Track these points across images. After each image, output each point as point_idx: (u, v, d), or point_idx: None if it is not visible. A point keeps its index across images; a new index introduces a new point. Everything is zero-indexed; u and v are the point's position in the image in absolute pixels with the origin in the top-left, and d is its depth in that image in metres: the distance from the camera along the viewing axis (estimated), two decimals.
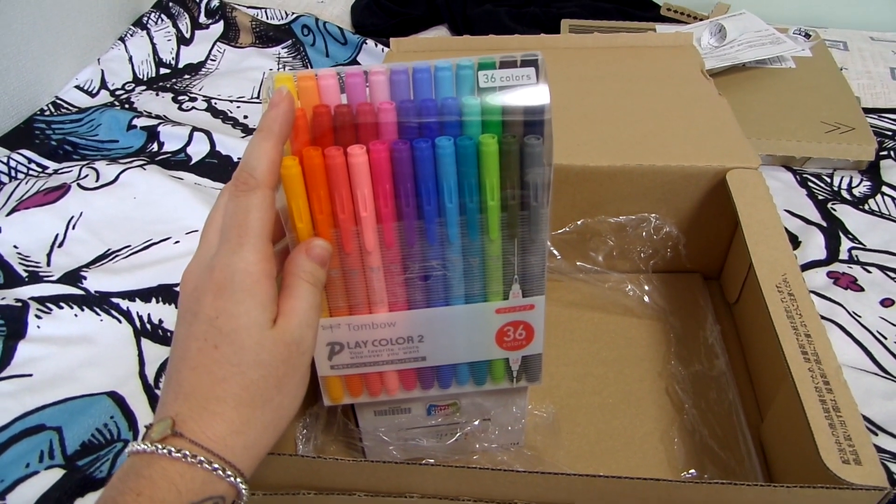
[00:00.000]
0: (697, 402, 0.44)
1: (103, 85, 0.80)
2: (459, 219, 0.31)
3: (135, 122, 0.71)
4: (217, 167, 0.67)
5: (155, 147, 0.70)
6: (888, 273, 0.55)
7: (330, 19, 0.89)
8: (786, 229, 0.43)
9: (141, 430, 0.45)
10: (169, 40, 0.87)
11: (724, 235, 0.50)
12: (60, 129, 0.72)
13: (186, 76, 0.83)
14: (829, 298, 0.53)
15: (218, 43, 0.88)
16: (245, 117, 0.76)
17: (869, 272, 0.55)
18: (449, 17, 0.92)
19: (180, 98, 0.78)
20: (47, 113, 0.75)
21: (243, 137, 0.72)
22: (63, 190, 0.62)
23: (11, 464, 0.42)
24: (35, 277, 0.55)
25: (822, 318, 0.49)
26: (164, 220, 0.60)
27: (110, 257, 0.57)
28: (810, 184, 0.64)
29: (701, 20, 0.86)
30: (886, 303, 0.52)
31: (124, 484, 0.25)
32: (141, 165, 0.66)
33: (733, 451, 0.41)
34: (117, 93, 0.80)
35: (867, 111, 0.71)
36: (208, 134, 0.70)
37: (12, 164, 0.67)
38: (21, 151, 0.68)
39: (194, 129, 0.70)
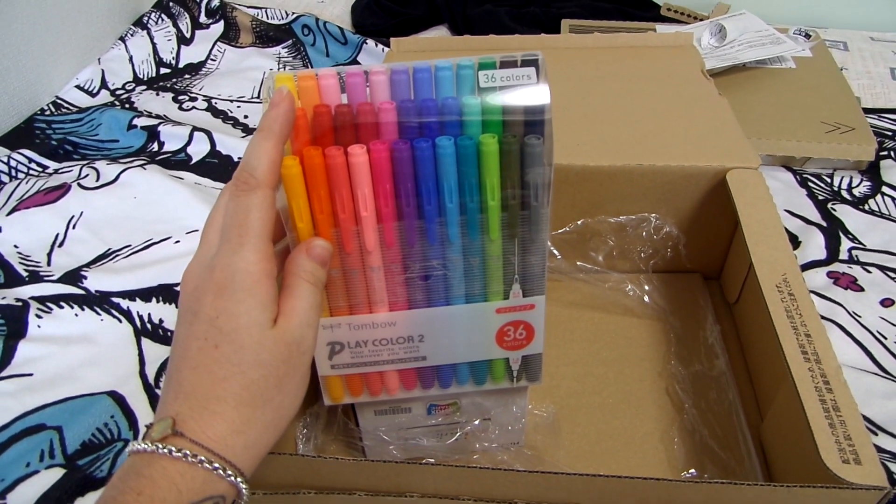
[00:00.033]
0: (697, 402, 0.44)
1: (104, 85, 0.80)
2: (460, 218, 0.31)
3: (135, 121, 0.71)
4: (217, 167, 0.67)
5: (155, 147, 0.70)
6: (888, 273, 0.55)
7: (330, 19, 0.89)
8: (786, 229, 0.43)
9: (141, 429, 0.45)
10: (169, 40, 0.87)
11: (724, 235, 0.50)
12: (61, 128, 0.72)
13: (187, 76, 0.83)
14: (829, 298, 0.53)
15: (218, 43, 0.88)
16: (245, 117, 0.76)
17: (869, 272, 0.55)
18: (449, 17, 0.92)
19: (180, 98, 0.78)
20: (48, 112, 0.75)
21: (243, 137, 0.72)
22: (63, 189, 0.62)
23: (12, 463, 0.42)
24: (35, 277, 0.55)
25: (822, 318, 0.49)
26: (165, 219, 0.60)
27: (111, 257, 0.57)
28: (810, 184, 0.64)
29: (701, 20, 0.86)
30: (886, 303, 0.52)
31: (125, 483, 0.25)
32: (141, 165, 0.66)
33: (733, 451, 0.41)
34: (118, 92, 0.80)
35: (867, 111, 0.71)
36: (208, 134, 0.70)
37: (13, 163, 0.67)
38: (21, 151, 0.68)
39: (194, 128, 0.70)
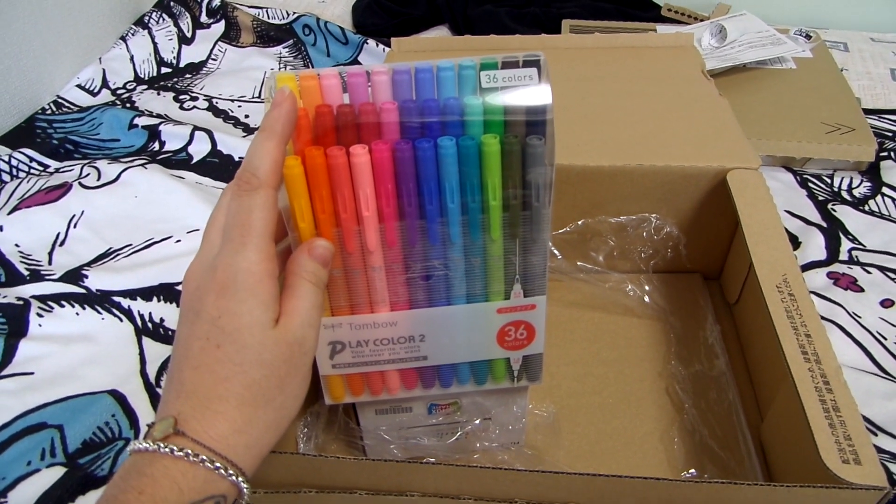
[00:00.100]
0: (697, 402, 0.44)
1: (105, 84, 0.80)
2: (461, 218, 0.31)
3: (136, 121, 0.71)
4: (218, 166, 0.67)
5: (156, 146, 0.70)
6: (888, 274, 0.55)
7: (331, 19, 0.89)
8: (786, 230, 0.43)
9: (142, 428, 0.45)
10: (170, 39, 0.87)
11: (724, 236, 0.50)
12: (62, 127, 0.72)
13: (188, 75, 0.83)
14: (829, 299, 0.53)
15: (219, 42, 0.88)
16: (246, 117, 0.76)
17: (869, 273, 0.55)
18: (450, 17, 0.92)
19: (181, 97, 0.78)
20: (49, 112, 0.75)
21: (244, 137, 0.72)
22: (64, 189, 0.62)
23: (13, 462, 0.42)
24: (36, 276, 0.55)
25: (822, 318, 0.49)
26: (166, 219, 0.61)
27: (111, 256, 0.57)
28: (810, 184, 0.64)
29: (701, 21, 0.86)
30: (886, 303, 0.53)
31: (126, 482, 0.25)
32: (142, 164, 0.66)
33: (733, 451, 0.41)
34: (118, 92, 0.80)
35: (867, 112, 0.71)
36: (209, 133, 0.70)
37: (14, 162, 0.67)
38: (22, 150, 0.68)
39: (195, 128, 0.70)
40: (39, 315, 0.51)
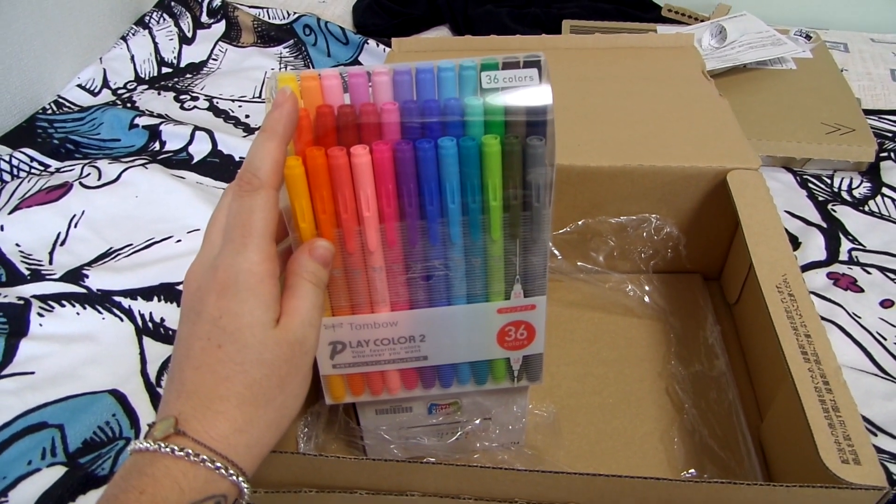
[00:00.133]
0: (697, 402, 0.44)
1: (105, 84, 0.80)
2: (462, 219, 0.31)
3: (137, 121, 0.71)
4: (219, 166, 0.68)
5: (157, 146, 0.70)
6: (888, 274, 0.55)
7: (331, 19, 0.89)
8: (786, 230, 0.43)
9: (143, 428, 0.45)
10: (171, 39, 0.87)
11: (724, 236, 0.50)
12: (62, 127, 0.72)
13: (188, 75, 0.84)
14: (828, 299, 0.53)
15: (220, 42, 0.88)
16: (247, 117, 0.76)
17: (869, 273, 0.55)
18: (450, 18, 0.92)
19: (182, 97, 0.78)
20: (49, 111, 0.75)
21: (245, 137, 0.72)
22: (65, 188, 0.62)
23: (14, 461, 0.42)
24: (37, 275, 0.55)
25: (822, 318, 0.50)
26: (166, 218, 0.61)
27: (112, 256, 0.58)
28: (810, 185, 0.64)
29: (702, 21, 0.86)
30: (886, 304, 0.53)
31: (127, 482, 0.25)
32: (143, 164, 0.66)
33: (733, 451, 0.41)
34: (119, 92, 0.80)
35: (867, 112, 0.71)
36: (210, 133, 0.70)
37: (14, 162, 0.67)
38: (23, 150, 0.68)
39: (196, 128, 0.70)
40: (40, 315, 0.51)
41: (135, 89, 0.80)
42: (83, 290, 0.54)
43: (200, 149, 0.69)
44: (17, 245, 0.58)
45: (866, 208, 0.62)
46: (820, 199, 0.63)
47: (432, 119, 0.29)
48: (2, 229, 0.59)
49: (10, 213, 0.60)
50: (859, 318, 0.51)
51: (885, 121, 0.72)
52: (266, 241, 0.27)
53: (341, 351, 0.34)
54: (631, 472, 0.31)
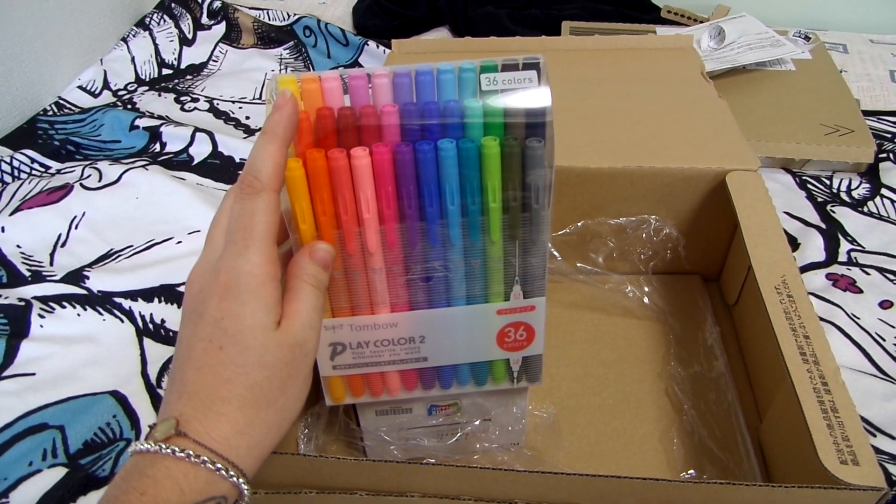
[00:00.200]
0: (697, 403, 0.44)
1: (106, 85, 0.81)
2: (461, 220, 0.31)
3: (137, 122, 0.71)
4: (219, 168, 0.68)
5: (157, 147, 0.70)
6: (887, 275, 0.55)
7: (331, 20, 0.89)
8: (785, 231, 0.43)
9: (143, 429, 0.45)
10: (171, 41, 0.88)
11: (723, 237, 0.50)
12: (63, 129, 0.72)
13: (188, 77, 0.84)
14: (827, 300, 0.53)
15: (220, 44, 0.89)
16: (247, 118, 0.76)
17: (868, 274, 0.55)
18: (450, 19, 0.92)
19: (182, 99, 0.78)
20: (50, 113, 0.75)
21: (245, 138, 0.72)
22: (66, 190, 0.63)
23: (14, 462, 0.42)
24: (38, 277, 0.55)
25: (821, 319, 0.50)
26: (167, 220, 0.61)
27: (113, 257, 0.58)
28: (809, 186, 0.64)
29: (701, 22, 0.86)
30: (885, 305, 0.53)
31: (128, 483, 0.25)
32: (143, 166, 0.66)
33: (732, 452, 0.41)
34: (120, 93, 0.80)
35: (866, 114, 0.71)
36: (210, 135, 0.70)
37: (15, 163, 0.67)
38: (24, 151, 0.68)
39: (196, 129, 0.70)
40: (41, 316, 0.52)
41: (135, 91, 0.80)
42: (84, 292, 0.54)
43: (201, 150, 0.69)
44: (18, 246, 0.58)
45: (865, 209, 0.62)
46: (819, 200, 0.63)
47: (432, 121, 0.29)
48: (3, 230, 0.59)
49: (11, 214, 0.60)
50: (858, 318, 0.51)
51: (884, 122, 0.73)
52: (268, 243, 0.27)
53: (341, 352, 0.34)
54: (630, 473, 0.31)
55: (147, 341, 0.51)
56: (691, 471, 0.41)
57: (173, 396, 0.27)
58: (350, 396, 0.37)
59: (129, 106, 0.76)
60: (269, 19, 0.89)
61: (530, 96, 0.29)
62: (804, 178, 0.65)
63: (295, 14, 0.89)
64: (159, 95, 0.79)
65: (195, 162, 0.68)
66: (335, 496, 0.33)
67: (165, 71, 0.85)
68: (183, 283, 0.55)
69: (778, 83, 0.73)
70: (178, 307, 0.53)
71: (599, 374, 0.47)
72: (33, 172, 0.67)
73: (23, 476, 0.42)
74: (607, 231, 0.50)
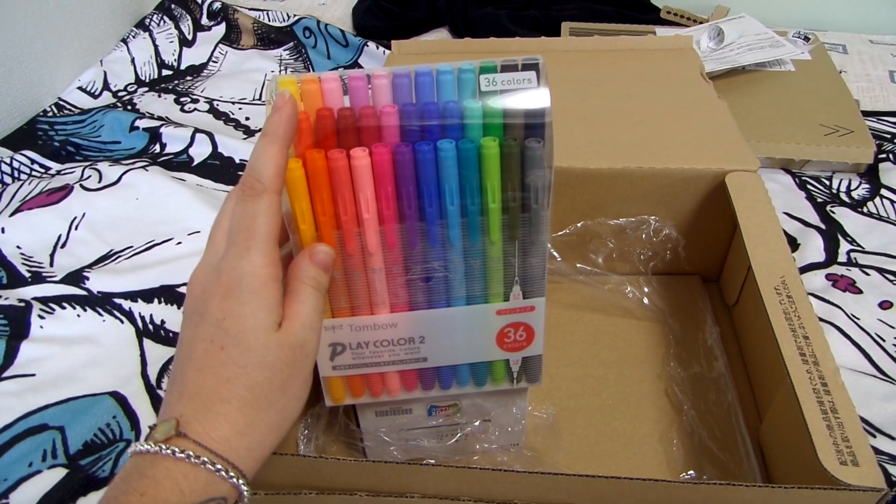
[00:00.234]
0: (696, 404, 0.44)
1: (106, 86, 0.81)
2: (461, 221, 0.31)
3: (137, 123, 0.71)
4: (219, 168, 0.68)
5: (157, 148, 0.70)
6: (886, 275, 0.55)
7: (331, 21, 0.89)
8: (785, 232, 0.43)
9: (143, 430, 0.45)
10: (171, 42, 0.88)
11: (723, 238, 0.50)
12: (63, 130, 0.72)
13: (188, 78, 0.84)
14: (827, 301, 0.53)
15: (220, 45, 0.89)
16: (247, 119, 0.76)
17: (867, 274, 0.55)
18: (450, 20, 0.92)
19: (182, 99, 0.78)
20: (50, 114, 0.75)
21: (245, 139, 0.72)
22: (66, 191, 0.63)
23: (14, 463, 0.42)
24: (38, 278, 0.55)
25: (821, 320, 0.50)
26: (167, 221, 0.61)
27: (113, 258, 0.58)
28: (809, 186, 0.64)
29: (701, 23, 0.86)
30: (885, 305, 0.53)
31: (128, 484, 0.25)
32: (143, 167, 0.66)
33: (732, 453, 0.41)
34: (120, 94, 0.80)
35: (866, 114, 0.71)
36: (210, 135, 0.70)
37: (15, 164, 0.67)
38: (24, 152, 0.68)
39: (196, 130, 0.71)
40: (41, 317, 0.52)
41: (135, 92, 0.80)
42: (84, 293, 0.54)
43: (201, 151, 0.69)
44: (18, 247, 0.58)
45: (865, 210, 0.62)
46: (819, 200, 0.63)
47: (431, 122, 0.29)
48: (3, 231, 0.59)
49: (11, 215, 0.60)
50: (858, 319, 0.51)
51: (884, 122, 0.73)
52: (269, 244, 0.27)
53: (341, 352, 0.34)
54: (630, 474, 0.31)
55: (147, 342, 0.51)
56: (691, 471, 0.41)
57: (174, 397, 0.27)
58: (350, 397, 0.37)
59: (129, 107, 0.76)
60: (269, 20, 0.89)
61: (529, 97, 0.29)
62: (804, 178, 0.65)
63: (295, 15, 0.89)
64: (159, 96, 0.79)
65: (195, 163, 0.68)
66: (335, 497, 0.33)
67: (165, 72, 0.85)
68: (183, 284, 0.55)
69: (777, 84, 0.73)
70: (178, 308, 0.53)
71: (599, 375, 0.47)
72: (33, 173, 0.67)
73: (23, 477, 0.42)
74: (607, 232, 0.50)
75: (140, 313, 0.53)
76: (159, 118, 0.73)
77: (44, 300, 0.53)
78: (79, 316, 0.52)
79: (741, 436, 0.42)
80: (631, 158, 0.48)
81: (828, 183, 0.65)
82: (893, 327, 0.51)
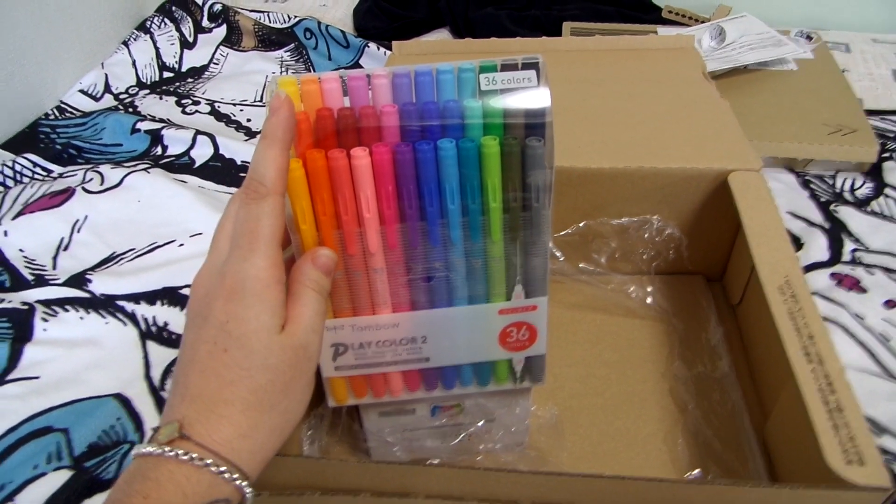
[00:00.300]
0: (701, 403, 0.44)
1: (107, 89, 0.81)
2: (462, 220, 0.31)
3: (139, 125, 0.72)
4: (221, 170, 0.68)
5: (159, 150, 0.70)
6: (891, 274, 0.55)
7: (332, 22, 0.89)
8: (788, 231, 0.43)
9: (147, 431, 0.45)
10: (172, 44, 0.88)
11: (726, 237, 0.50)
12: (65, 133, 0.73)
13: (190, 80, 0.84)
14: (832, 300, 0.53)
15: (221, 46, 0.89)
16: (248, 120, 0.76)
17: (872, 274, 0.55)
18: (451, 20, 0.92)
19: (184, 102, 0.79)
20: (52, 117, 0.75)
21: (247, 141, 0.72)
22: (68, 193, 0.63)
23: (20, 465, 0.42)
24: (41, 281, 0.55)
25: (826, 319, 0.50)
26: (169, 222, 0.61)
27: (115, 260, 0.58)
28: (812, 186, 0.64)
29: (702, 23, 0.86)
30: (890, 304, 0.52)
31: (131, 486, 0.25)
32: (145, 169, 0.66)
33: (737, 452, 0.41)
34: (121, 97, 0.80)
35: (869, 113, 0.71)
36: (212, 137, 0.70)
37: (17, 168, 0.67)
38: (26, 155, 0.68)
39: (198, 132, 0.71)
40: (44, 320, 0.52)
41: (136, 94, 0.81)
42: (87, 295, 0.54)
43: (202, 153, 0.69)
44: (21, 250, 0.58)
45: (869, 209, 0.61)
46: (822, 199, 0.63)
47: (432, 121, 0.29)
48: (5, 235, 0.59)
49: (14, 218, 0.60)
50: (862, 318, 0.51)
51: (888, 121, 0.72)
52: (273, 247, 0.27)
53: (343, 353, 0.34)
54: (634, 474, 0.31)
55: (150, 344, 0.51)
56: (696, 471, 0.41)
57: (176, 399, 0.27)
58: (353, 398, 0.36)
59: (131, 109, 0.76)
60: (270, 22, 0.90)
61: (530, 96, 0.29)
62: (807, 177, 0.65)
63: (295, 16, 0.89)
64: (160, 99, 0.79)
65: (197, 165, 0.68)
66: (339, 497, 0.33)
67: (166, 74, 0.85)
68: (186, 286, 0.55)
69: (780, 83, 0.73)
70: (181, 310, 0.53)
71: (602, 375, 0.47)
72: (35, 176, 0.67)
73: (28, 479, 0.42)
74: (609, 231, 0.50)
75: (143, 315, 0.53)
76: (161, 120, 0.73)
77: (47, 303, 0.53)
78: (82, 318, 0.52)
79: (746, 435, 0.42)
80: (633, 158, 0.48)
81: (831, 182, 0.65)
82: None
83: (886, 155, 0.67)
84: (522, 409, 0.39)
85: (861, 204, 0.62)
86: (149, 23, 0.89)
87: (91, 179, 0.65)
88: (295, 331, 0.27)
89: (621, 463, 0.42)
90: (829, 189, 0.64)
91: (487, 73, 0.29)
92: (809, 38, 0.83)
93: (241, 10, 0.91)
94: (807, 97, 0.70)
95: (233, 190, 0.65)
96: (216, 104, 0.78)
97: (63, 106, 0.77)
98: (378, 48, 0.85)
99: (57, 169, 0.68)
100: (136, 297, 0.54)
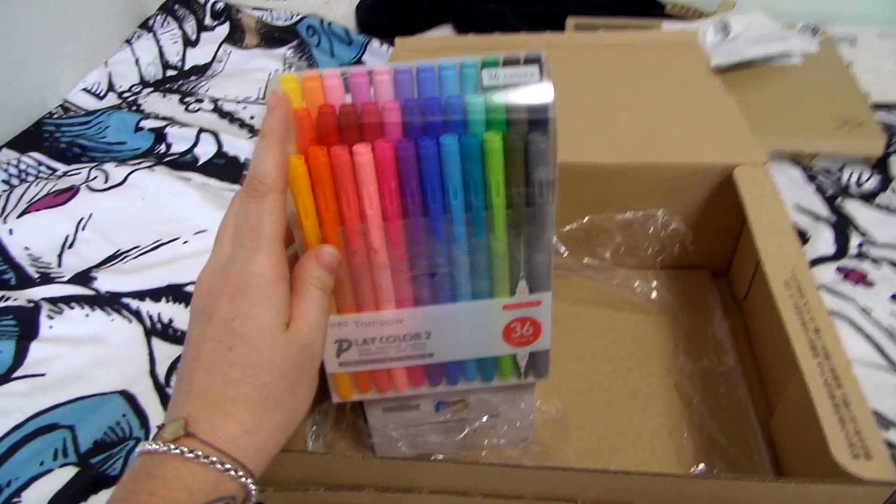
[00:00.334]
0: (706, 398, 0.44)
1: (111, 87, 0.81)
2: (465, 216, 0.31)
3: (142, 123, 0.72)
4: (224, 167, 0.68)
5: (163, 148, 0.70)
6: None
7: (335, 20, 0.89)
8: (794, 225, 0.43)
9: (152, 428, 0.45)
10: (175, 42, 0.88)
11: (731, 232, 0.50)
12: (69, 131, 0.73)
13: (193, 78, 0.84)
14: (838, 294, 0.52)
15: (224, 44, 0.89)
16: (251, 118, 0.76)
17: (878, 267, 0.55)
18: (453, 16, 0.92)
19: (187, 99, 0.79)
20: (56, 116, 0.76)
21: (250, 138, 0.72)
22: (72, 192, 0.63)
23: (26, 462, 0.43)
24: (46, 278, 0.56)
25: (832, 313, 0.49)
26: (173, 220, 0.61)
27: (120, 258, 0.58)
28: (818, 179, 0.64)
29: (707, 17, 0.85)
30: None
31: (136, 484, 0.25)
32: (149, 167, 0.66)
33: (743, 447, 0.41)
34: (124, 95, 0.80)
35: (875, 106, 0.71)
36: (215, 135, 0.70)
37: (22, 166, 0.67)
38: (31, 154, 0.69)
39: (201, 130, 0.71)
40: (49, 317, 0.52)
41: (140, 92, 0.81)
42: (92, 292, 0.54)
43: (206, 150, 0.70)
44: (26, 248, 0.58)
45: (875, 202, 0.61)
46: (828, 193, 0.62)
47: (434, 117, 0.29)
48: (11, 233, 0.59)
49: (19, 216, 0.60)
50: (869, 312, 0.51)
51: (894, 114, 0.72)
52: (276, 244, 0.27)
53: (347, 349, 0.34)
54: (640, 469, 0.31)
55: (155, 341, 0.51)
56: (701, 465, 0.41)
57: (181, 397, 0.27)
58: (357, 393, 0.36)
59: (134, 107, 0.77)
60: (273, 19, 0.89)
61: (532, 92, 0.28)
62: (813, 171, 0.65)
63: (298, 14, 0.89)
64: (164, 96, 0.79)
65: (200, 162, 0.68)
66: (343, 493, 0.33)
67: (170, 72, 0.85)
68: (190, 283, 0.55)
69: (785, 77, 0.73)
70: (186, 307, 0.53)
71: (607, 370, 0.47)
72: (40, 175, 0.67)
73: (34, 476, 0.42)
74: (614, 226, 0.50)
75: (148, 312, 0.53)
76: (164, 118, 0.73)
77: (52, 300, 0.53)
78: (87, 316, 0.52)
79: (752, 430, 0.42)
80: (638, 153, 0.47)
81: (837, 176, 0.64)
82: None
83: (893, 148, 0.67)
84: (527, 405, 0.39)
85: (867, 197, 0.62)
86: (151, 21, 0.89)
87: (95, 177, 0.65)
88: (299, 328, 0.27)
89: (626, 458, 0.41)
90: (836, 183, 0.63)
91: (490, 69, 0.28)
92: (815, 31, 0.82)
93: (244, 7, 0.91)
94: (812, 91, 0.70)
95: (236, 187, 0.65)
96: (219, 102, 0.78)
97: (67, 104, 0.77)
98: (381, 45, 0.85)
99: (61, 167, 0.68)
100: (140, 295, 0.54)
